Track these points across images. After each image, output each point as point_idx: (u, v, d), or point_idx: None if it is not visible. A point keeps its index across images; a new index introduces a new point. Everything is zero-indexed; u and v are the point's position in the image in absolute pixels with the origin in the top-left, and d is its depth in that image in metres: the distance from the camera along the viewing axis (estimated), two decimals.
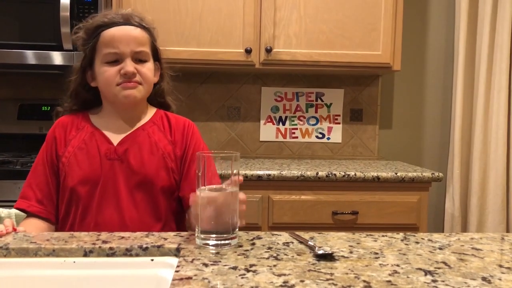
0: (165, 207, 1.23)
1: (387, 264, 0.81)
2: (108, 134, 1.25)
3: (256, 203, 2.00)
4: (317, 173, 2.00)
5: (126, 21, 1.22)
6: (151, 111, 1.32)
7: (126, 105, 1.24)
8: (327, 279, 0.74)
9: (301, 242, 0.94)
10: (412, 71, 2.70)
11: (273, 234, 0.99)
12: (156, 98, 1.34)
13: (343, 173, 2.01)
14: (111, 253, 0.89)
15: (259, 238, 0.97)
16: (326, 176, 2.00)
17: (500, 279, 0.75)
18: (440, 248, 0.92)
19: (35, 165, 1.27)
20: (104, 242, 0.91)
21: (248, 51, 2.22)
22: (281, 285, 0.71)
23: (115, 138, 1.24)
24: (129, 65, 1.19)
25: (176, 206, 1.27)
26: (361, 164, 2.31)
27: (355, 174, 2.01)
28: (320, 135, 2.66)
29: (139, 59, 1.22)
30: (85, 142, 1.23)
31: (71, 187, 1.20)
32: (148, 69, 1.24)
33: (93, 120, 1.28)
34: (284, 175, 1.99)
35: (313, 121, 2.65)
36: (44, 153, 1.26)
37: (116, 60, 1.20)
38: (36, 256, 0.88)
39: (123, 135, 1.25)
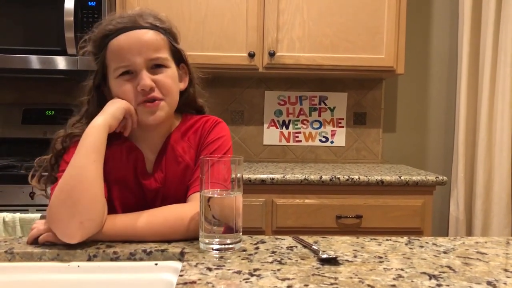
0: None
1: (392, 268, 0.81)
2: (141, 147, 1.12)
3: (259, 207, 2.00)
4: (320, 177, 2.00)
5: (134, 23, 1.05)
6: (178, 119, 1.18)
7: (151, 126, 1.09)
8: (331, 284, 0.73)
9: (305, 246, 0.93)
10: (416, 75, 2.69)
11: (277, 238, 0.99)
12: (186, 105, 1.18)
13: (346, 177, 2.00)
14: (115, 257, 0.89)
15: (263, 242, 0.97)
16: (330, 180, 2.00)
17: (505, 284, 0.75)
18: (444, 252, 0.91)
19: None
20: (108, 246, 0.91)
21: (251, 55, 2.22)
22: None
23: (149, 155, 1.12)
24: (145, 78, 1.02)
25: None
26: (365, 168, 2.31)
27: (359, 178, 2.00)
28: (324, 139, 2.66)
29: (156, 64, 1.05)
30: (123, 153, 1.11)
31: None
32: (169, 76, 1.07)
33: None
34: (288, 179, 1.99)
35: (316, 125, 2.65)
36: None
37: (130, 72, 1.04)
38: (41, 261, 0.89)
39: (155, 151, 1.13)
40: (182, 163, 1.12)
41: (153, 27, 1.07)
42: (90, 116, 1.07)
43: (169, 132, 1.14)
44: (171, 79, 1.07)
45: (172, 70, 1.09)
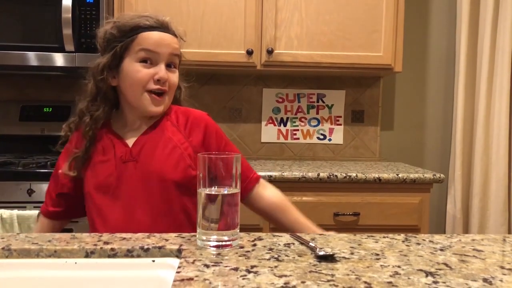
0: (180, 204, 1.20)
1: (388, 266, 0.81)
2: (125, 136, 1.24)
3: None
4: (318, 174, 2.00)
5: (165, 28, 1.22)
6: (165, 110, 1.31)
7: (149, 115, 1.24)
8: (328, 280, 0.74)
9: (302, 243, 0.94)
10: (414, 73, 2.70)
11: (274, 235, 0.99)
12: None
13: (344, 175, 2.01)
14: (113, 254, 0.89)
15: (260, 239, 0.97)
16: (328, 177, 2.00)
17: (501, 281, 0.75)
18: (441, 250, 0.92)
19: (54, 172, 1.31)
20: (106, 243, 0.92)
21: (249, 53, 2.22)
22: (282, 286, 0.71)
23: (131, 140, 1.23)
24: (163, 70, 1.19)
25: (191, 202, 1.22)
26: (363, 166, 2.31)
27: (357, 176, 2.01)
28: (322, 137, 2.66)
29: (171, 63, 1.22)
30: (104, 148, 1.22)
31: (87, 193, 1.21)
32: (177, 76, 1.25)
33: (113, 123, 1.27)
34: (286, 176, 1.99)
35: (314, 123, 2.65)
36: (63, 161, 1.27)
37: (149, 61, 1.19)
38: (38, 257, 0.89)
39: (138, 135, 1.24)
40: (167, 140, 1.23)
41: (177, 36, 1.26)
42: (103, 96, 1.22)
43: (155, 119, 1.26)
44: (177, 79, 1.25)
45: (178, 72, 1.27)
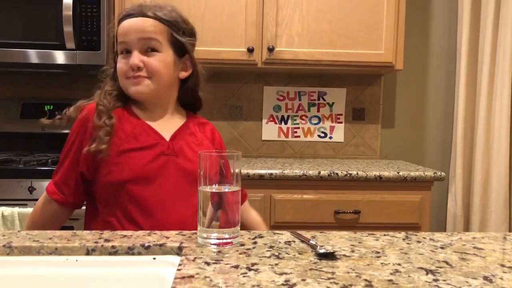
0: None
1: (389, 263, 0.81)
2: (157, 128, 1.21)
3: (258, 202, 2.00)
4: (319, 172, 2.00)
5: (140, 12, 1.18)
6: (183, 112, 1.32)
7: (139, 100, 1.22)
8: (329, 278, 0.74)
9: (302, 241, 0.94)
10: (415, 70, 2.69)
11: (275, 233, 1.00)
12: (185, 97, 1.30)
13: (345, 172, 2.01)
14: (114, 251, 0.89)
15: (261, 237, 0.97)
16: (328, 175, 2.00)
17: (501, 279, 0.75)
18: (441, 247, 0.92)
19: (63, 158, 1.20)
20: (107, 240, 0.92)
21: (250, 50, 2.22)
22: (282, 284, 0.71)
23: (165, 133, 1.21)
24: (134, 57, 1.16)
25: None
26: (363, 164, 2.31)
27: (357, 173, 2.01)
28: (322, 134, 2.66)
29: (149, 48, 1.17)
30: (136, 136, 1.18)
31: (120, 183, 1.14)
32: (158, 60, 1.18)
33: (138, 113, 1.23)
34: (286, 174, 2.00)
35: (315, 120, 2.65)
36: (75, 144, 1.18)
37: (128, 52, 1.18)
38: (39, 255, 0.89)
39: (172, 130, 1.23)
40: (200, 142, 1.26)
41: (155, 17, 1.18)
42: (114, 78, 1.24)
43: (175, 116, 1.27)
44: (160, 62, 1.18)
45: (164, 56, 1.19)
